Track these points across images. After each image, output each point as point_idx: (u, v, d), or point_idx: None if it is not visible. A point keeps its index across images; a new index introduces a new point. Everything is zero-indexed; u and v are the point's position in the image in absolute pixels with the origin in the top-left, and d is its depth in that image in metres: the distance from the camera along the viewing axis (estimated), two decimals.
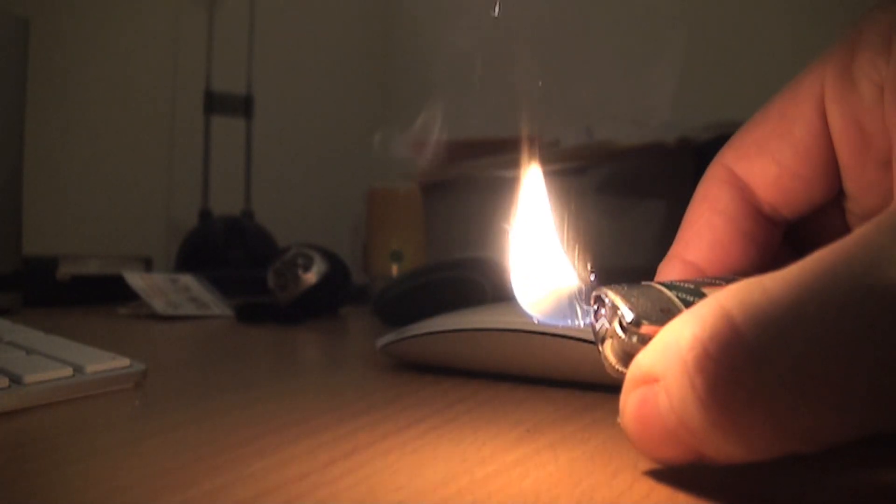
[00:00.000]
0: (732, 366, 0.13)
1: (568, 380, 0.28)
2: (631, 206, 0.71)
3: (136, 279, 0.61)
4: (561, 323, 0.20)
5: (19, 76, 0.57)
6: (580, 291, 0.19)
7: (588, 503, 0.15)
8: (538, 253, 0.21)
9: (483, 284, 0.47)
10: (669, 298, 0.17)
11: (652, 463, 0.17)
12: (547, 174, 0.22)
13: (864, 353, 0.13)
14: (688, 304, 0.17)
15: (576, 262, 0.20)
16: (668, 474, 0.16)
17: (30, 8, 0.66)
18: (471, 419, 0.23)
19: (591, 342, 0.18)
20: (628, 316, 0.16)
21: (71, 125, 0.91)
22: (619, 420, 0.16)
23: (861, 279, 0.13)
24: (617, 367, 0.17)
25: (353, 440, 0.20)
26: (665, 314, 0.16)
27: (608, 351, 0.17)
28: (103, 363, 0.27)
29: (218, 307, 0.61)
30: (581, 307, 0.19)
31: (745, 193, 0.20)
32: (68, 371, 0.26)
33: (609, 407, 0.23)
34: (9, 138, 0.56)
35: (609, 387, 0.18)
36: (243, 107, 1.03)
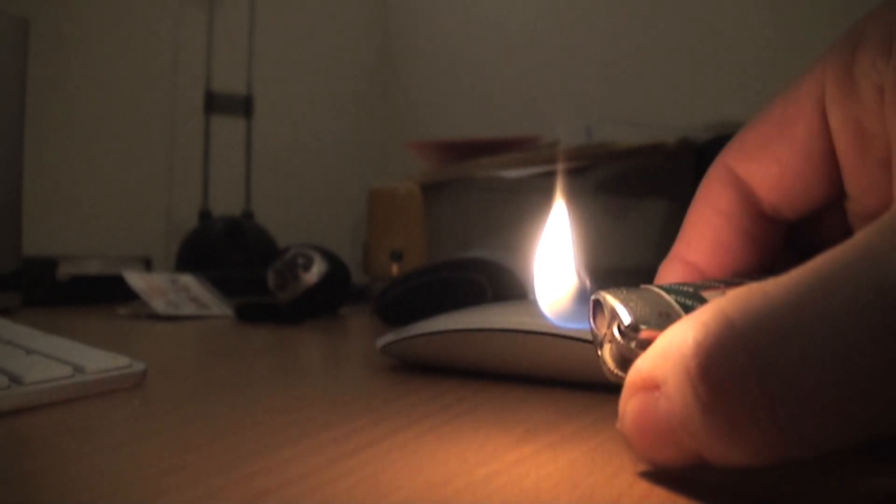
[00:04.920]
0: (735, 372, 0.13)
1: (568, 380, 0.28)
2: (631, 206, 0.71)
3: (136, 279, 0.61)
4: (576, 326, 0.20)
5: (19, 76, 0.57)
6: (586, 293, 0.19)
7: (588, 503, 0.15)
8: (557, 256, 0.21)
9: (483, 284, 0.47)
10: (668, 303, 0.17)
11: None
12: (551, 175, 0.22)
13: (867, 359, 0.13)
14: (687, 309, 0.17)
15: (581, 264, 0.20)
16: (668, 475, 0.16)
17: (30, 8, 0.66)
18: (471, 419, 0.23)
19: (590, 342, 0.18)
20: (626, 320, 0.16)
21: (71, 125, 0.91)
22: (618, 425, 0.16)
23: (862, 285, 0.13)
24: (615, 371, 0.17)
25: (353, 440, 0.20)
26: (664, 319, 0.16)
27: (607, 355, 0.17)
28: (103, 363, 0.27)
29: (218, 307, 0.61)
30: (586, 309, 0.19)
31: (746, 194, 0.20)
32: (68, 371, 0.26)
33: (609, 407, 0.23)
34: (9, 138, 0.56)
35: (609, 387, 0.18)
36: (243, 107, 1.03)
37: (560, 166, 0.67)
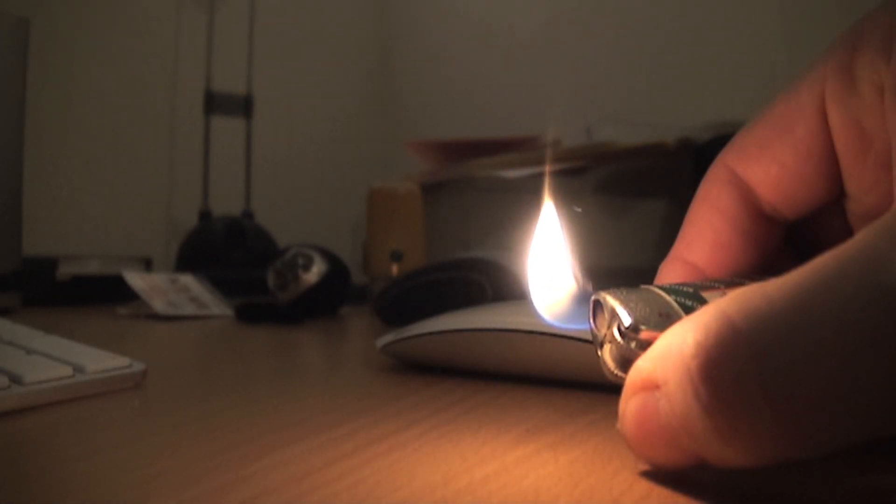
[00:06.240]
0: (736, 373, 0.13)
1: (568, 380, 0.28)
2: (631, 206, 0.71)
3: (136, 279, 0.61)
4: (576, 327, 0.20)
5: (19, 76, 0.57)
6: (586, 294, 0.19)
7: (588, 503, 0.15)
8: (552, 258, 0.21)
9: (483, 284, 0.47)
10: (669, 303, 0.17)
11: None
12: (547, 175, 0.22)
13: (867, 359, 0.13)
14: (687, 309, 0.17)
15: (580, 264, 0.20)
16: (668, 475, 0.16)
17: (30, 8, 0.66)
18: (471, 419, 0.23)
19: (590, 342, 0.18)
20: (627, 321, 0.16)
21: (71, 125, 0.91)
22: (618, 425, 0.16)
23: (863, 286, 0.13)
24: (616, 372, 0.17)
25: (353, 440, 0.20)
26: (664, 319, 0.16)
27: (607, 356, 0.17)
28: (103, 363, 0.27)
29: (218, 307, 0.61)
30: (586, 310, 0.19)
31: (746, 194, 0.20)
32: (68, 371, 0.26)
33: (609, 407, 0.23)
34: (9, 138, 0.56)
35: (609, 387, 0.18)
36: (243, 107, 1.03)
37: (560, 166, 0.67)
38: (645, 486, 0.16)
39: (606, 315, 0.17)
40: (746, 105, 0.28)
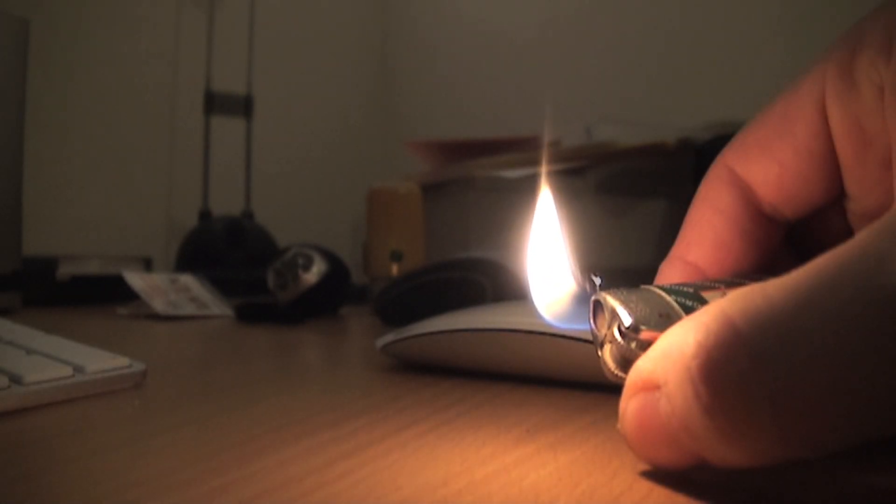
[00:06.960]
0: (737, 373, 0.13)
1: (568, 380, 0.28)
2: (631, 206, 0.71)
3: (136, 279, 0.61)
4: (576, 327, 0.20)
5: (19, 76, 0.57)
6: (586, 294, 0.19)
7: (588, 503, 0.15)
8: (551, 257, 0.21)
9: (483, 284, 0.47)
10: (669, 303, 0.17)
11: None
12: (548, 175, 0.22)
13: (868, 360, 0.13)
14: (687, 310, 0.17)
15: (579, 264, 0.20)
16: (668, 475, 0.16)
17: (30, 8, 0.66)
18: (471, 419, 0.23)
19: (590, 342, 0.18)
20: (627, 321, 0.16)
21: (71, 125, 0.91)
22: (618, 426, 0.16)
23: (863, 287, 0.13)
24: (616, 372, 0.17)
25: (353, 440, 0.20)
26: (664, 319, 0.16)
27: (607, 356, 0.17)
28: (103, 363, 0.27)
29: (218, 307, 0.61)
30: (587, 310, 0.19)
31: (746, 193, 0.20)
32: (68, 371, 0.26)
33: (609, 407, 0.23)
34: (9, 138, 0.56)
35: (609, 387, 0.18)
36: (243, 107, 1.03)
37: (560, 166, 0.67)
38: (645, 486, 0.16)
39: (606, 315, 0.17)
40: (746, 105, 0.28)
